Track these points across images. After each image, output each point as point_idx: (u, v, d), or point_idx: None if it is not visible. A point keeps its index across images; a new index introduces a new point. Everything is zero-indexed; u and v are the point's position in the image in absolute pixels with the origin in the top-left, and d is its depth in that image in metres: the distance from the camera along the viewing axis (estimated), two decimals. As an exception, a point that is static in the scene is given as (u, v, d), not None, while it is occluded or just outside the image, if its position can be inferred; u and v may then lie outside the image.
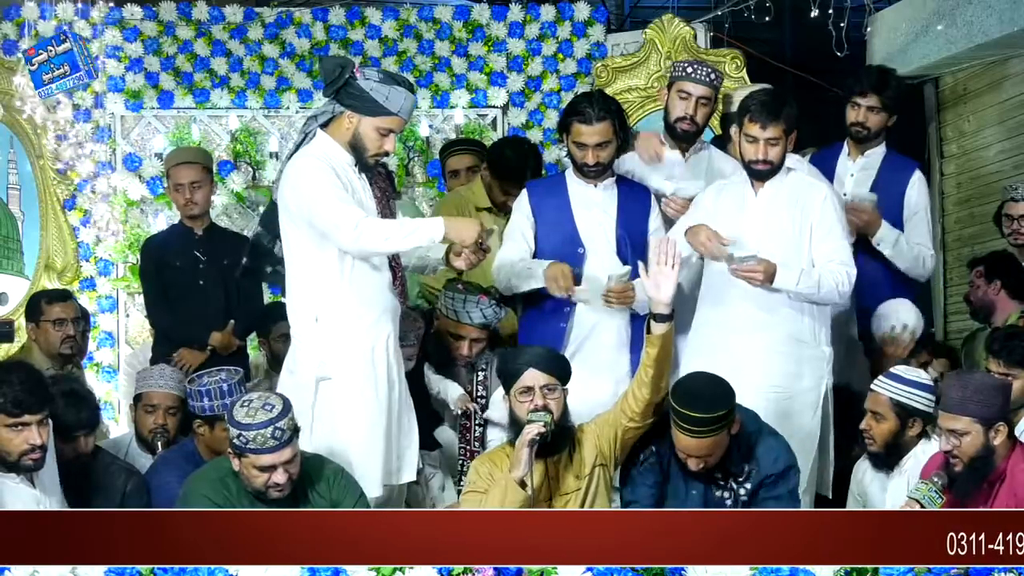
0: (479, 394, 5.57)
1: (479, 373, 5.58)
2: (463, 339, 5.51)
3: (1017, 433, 4.79)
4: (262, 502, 4.44)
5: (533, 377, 4.63)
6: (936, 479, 4.35)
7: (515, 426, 4.66)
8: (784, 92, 5.36)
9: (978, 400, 4.35)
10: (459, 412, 5.49)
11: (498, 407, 5.19)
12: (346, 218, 4.65)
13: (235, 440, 4.39)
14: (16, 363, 4.82)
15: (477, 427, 5.52)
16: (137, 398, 5.59)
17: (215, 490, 4.46)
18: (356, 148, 4.80)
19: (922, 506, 4.29)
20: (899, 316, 5.68)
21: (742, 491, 4.72)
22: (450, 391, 5.51)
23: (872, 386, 4.90)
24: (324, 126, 4.83)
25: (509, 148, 6.25)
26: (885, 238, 5.68)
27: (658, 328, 4.68)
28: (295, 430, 4.45)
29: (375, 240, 4.67)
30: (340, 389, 4.73)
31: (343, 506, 4.49)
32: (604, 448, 4.69)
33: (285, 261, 4.87)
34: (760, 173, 5.12)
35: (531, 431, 4.49)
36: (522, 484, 4.44)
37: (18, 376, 4.45)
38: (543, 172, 6.56)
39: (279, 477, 4.39)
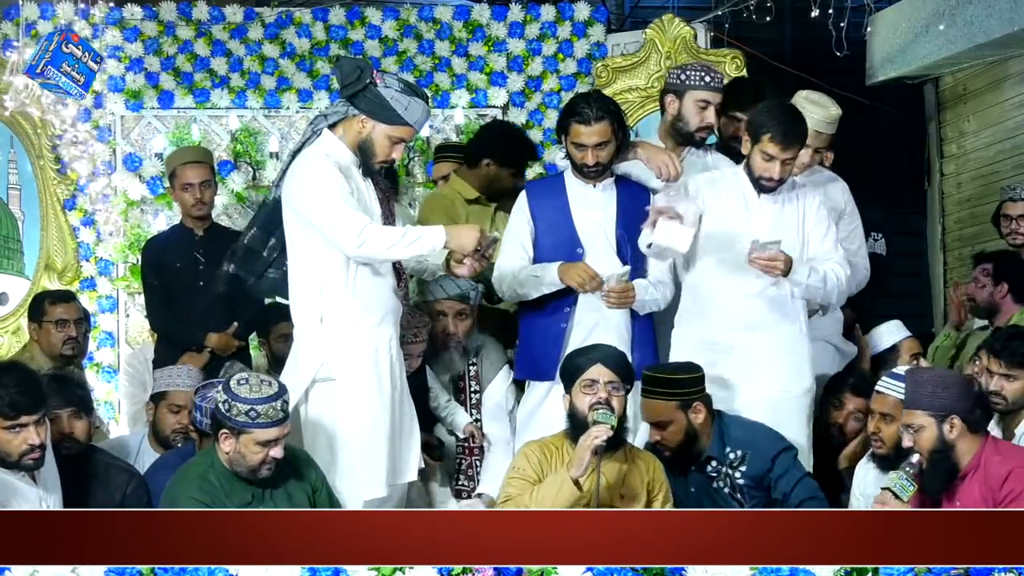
0: (472, 389, 5.58)
1: (471, 368, 5.59)
2: (446, 315, 5.51)
3: (1017, 436, 4.80)
4: (251, 483, 4.49)
5: (599, 372, 4.66)
6: (908, 468, 4.36)
7: (573, 420, 4.67)
8: (792, 106, 5.30)
9: (928, 393, 4.40)
10: (463, 437, 5.52)
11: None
12: (351, 225, 4.65)
13: (239, 417, 4.41)
14: (10, 365, 4.77)
15: (475, 423, 5.55)
16: (159, 396, 5.51)
17: (200, 488, 4.46)
18: (364, 152, 4.79)
19: (895, 495, 4.29)
20: (893, 333, 5.75)
21: (737, 474, 4.77)
22: (458, 419, 5.52)
23: (878, 388, 4.90)
24: (332, 126, 4.82)
25: (510, 136, 6.23)
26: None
27: None
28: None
29: (378, 248, 4.68)
30: (344, 390, 4.74)
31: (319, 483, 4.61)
32: (653, 485, 4.71)
33: (289, 261, 4.85)
34: (768, 189, 5.10)
35: (598, 437, 4.46)
36: (576, 484, 4.45)
37: (12, 378, 4.46)
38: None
39: (277, 452, 4.46)
